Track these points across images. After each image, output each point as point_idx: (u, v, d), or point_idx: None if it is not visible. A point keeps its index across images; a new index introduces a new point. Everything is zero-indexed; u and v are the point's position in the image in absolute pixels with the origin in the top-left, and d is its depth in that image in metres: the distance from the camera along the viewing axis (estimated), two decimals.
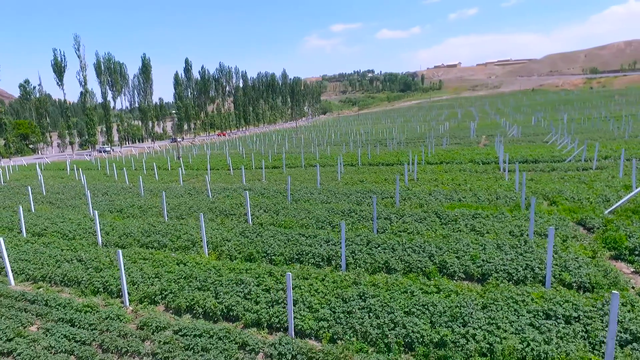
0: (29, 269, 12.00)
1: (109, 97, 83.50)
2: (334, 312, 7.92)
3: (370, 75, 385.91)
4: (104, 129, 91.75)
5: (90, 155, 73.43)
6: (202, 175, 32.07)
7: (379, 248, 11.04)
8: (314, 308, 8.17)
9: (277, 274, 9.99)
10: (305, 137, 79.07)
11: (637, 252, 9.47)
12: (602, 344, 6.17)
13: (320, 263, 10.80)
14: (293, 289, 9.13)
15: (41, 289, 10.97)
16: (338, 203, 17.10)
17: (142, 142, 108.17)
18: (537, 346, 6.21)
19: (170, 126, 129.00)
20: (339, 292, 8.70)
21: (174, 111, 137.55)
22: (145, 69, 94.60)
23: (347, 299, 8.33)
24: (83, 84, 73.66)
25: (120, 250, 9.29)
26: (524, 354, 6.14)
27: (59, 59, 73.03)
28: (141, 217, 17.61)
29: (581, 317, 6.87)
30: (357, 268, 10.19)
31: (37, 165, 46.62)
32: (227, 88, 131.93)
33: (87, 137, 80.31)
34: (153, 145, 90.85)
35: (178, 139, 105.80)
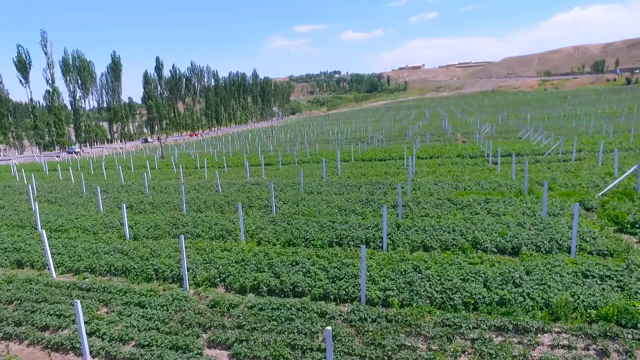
0: (66, 262, 12.06)
1: (78, 95, 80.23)
2: (396, 283, 8.76)
3: (337, 76, 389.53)
4: (71, 130, 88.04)
5: (59, 156, 70.38)
6: (195, 174, 32.01)
7: (411, 230, 11.99)
8: (376, 281, 8.98)
9: (326, 254, 10.72)
10: (284, 137, 79.48)
11: (637, 226, 10.94)
12: (637, 294, 7.38)
13: (360, 245, 11.60)
14: (348, 266, 9.91)
15: (87, 279, 11.13)
16: (350, 194, 17.96)
17: (111, 142, 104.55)
18: (585, 298, 7.33)
19: (137, 126, 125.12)
20: (392, 267, 9.56)
21: (139, 111, 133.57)
22: (115, 67, 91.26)
23: (403, 272, 9.20)
24: (51, 82, 70.34)
25: (182, 236, 9.70)
26: (576, 304, 7.24)
27: (24, 56, 69.38)
28: (156, 213, 17.69)
29: (613, 275, 8.08)
30: (397, 248, 11.10)
31: (12, 166, 44.50)
32: (198, 87, 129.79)
33: (55, 137, 76.77)
34: (124, 146, 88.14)
35: (150, 139, 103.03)
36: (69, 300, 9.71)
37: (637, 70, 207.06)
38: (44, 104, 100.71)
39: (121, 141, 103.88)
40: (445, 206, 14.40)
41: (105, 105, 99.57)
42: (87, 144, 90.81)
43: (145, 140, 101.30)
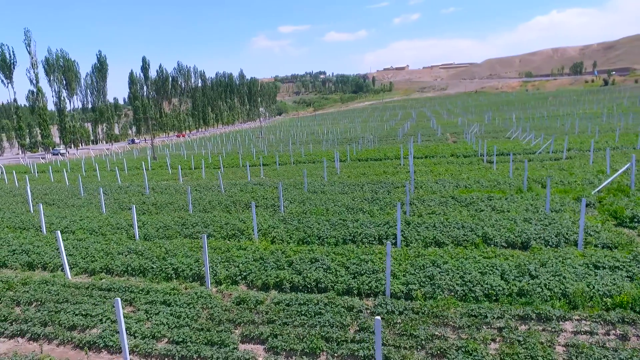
0: (80, 263, 12.01)
1: (63, 96, 78.29)
2: (417, 277, 9.07)
3: (322, 76, 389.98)
4: (55, 131, 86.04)
5: (44, 157, 68.82)
6: (191, 174, 31.86)
7: (421, 227, 12.34)
8: (397, 275, 9.27)
9: (342, 251, 10.97)
10: (274, 137, 79.44)
11: (636, 220, 11.53)
12: None
13: (373, 242, 11.90)
14: (366, 262, 10.18)
15: (104, 280, 11.12)
16: (354, 193, 18.26)
17: (97, 143, 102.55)
18: (600, 287, 7.77)
19: (121, 127, 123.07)
20: (410, 262, 9.88)
21: (124, 112, 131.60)
22: (101, 67, 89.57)
23: (422, 267, 9.52)
24: (35, 82, 68.61)
25: (204, 235, 9.81)
26: (592, 294, 7.67)
27: (7, 55, 67.49)
28: (161, 213, 17.65)
29: (621, 266, 8.56)
30: (410, 244, 11.43)
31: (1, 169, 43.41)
32: (185, 88, 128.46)
33: (39, 138, 74.87)
34: (111, 147, 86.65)
35: (137, 140, 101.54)
36: (92, 300, 9.72)
37: (614, 72, 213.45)
38: (26, 104, 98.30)
39: (107, 142, 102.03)
40: (450, 204, 14.82)
41: (90, 105, 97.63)
42: (73, 145, 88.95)
43: (133, 142, 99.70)
